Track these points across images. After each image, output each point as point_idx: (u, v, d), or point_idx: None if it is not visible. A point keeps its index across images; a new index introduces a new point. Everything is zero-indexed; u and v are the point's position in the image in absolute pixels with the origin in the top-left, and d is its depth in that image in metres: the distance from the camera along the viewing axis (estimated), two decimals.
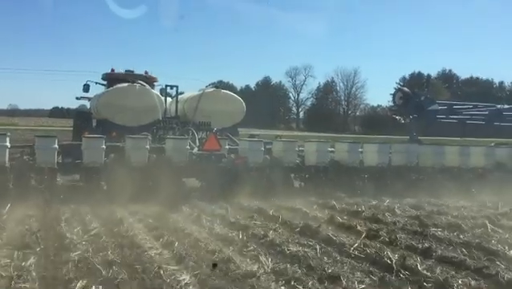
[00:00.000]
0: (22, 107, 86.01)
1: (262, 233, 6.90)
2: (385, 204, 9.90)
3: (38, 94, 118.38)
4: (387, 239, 6.70)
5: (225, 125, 13.75)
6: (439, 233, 7.05)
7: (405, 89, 13.75)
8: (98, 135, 10.84)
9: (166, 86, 14.77)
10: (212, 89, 14.79)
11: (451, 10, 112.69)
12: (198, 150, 10.78)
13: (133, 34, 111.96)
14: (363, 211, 8.94)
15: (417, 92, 14.11)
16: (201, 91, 14.60)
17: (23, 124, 48.28)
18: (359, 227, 7.41)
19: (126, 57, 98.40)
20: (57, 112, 72.33)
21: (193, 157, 10.57)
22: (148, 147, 10.40)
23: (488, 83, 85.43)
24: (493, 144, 14.06)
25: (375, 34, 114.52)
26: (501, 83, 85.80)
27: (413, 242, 6.51)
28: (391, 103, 68.71)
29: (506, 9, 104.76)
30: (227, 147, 11.17)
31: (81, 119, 15.41)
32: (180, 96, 15.15)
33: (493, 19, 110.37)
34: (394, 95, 13.77)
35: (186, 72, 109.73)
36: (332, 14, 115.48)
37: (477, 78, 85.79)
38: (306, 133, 59.99)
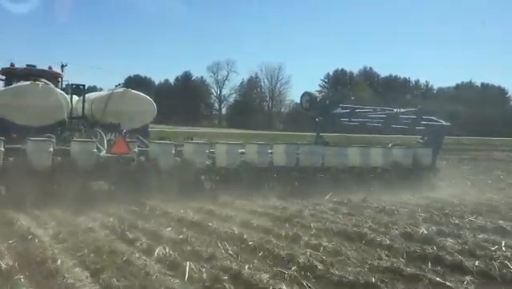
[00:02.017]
0: None
1: (174, 236, 6.92)
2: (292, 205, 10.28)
3: None
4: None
5: (135, 126, 13.51)
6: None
7: (312, 93, 14.45)
8: None
9: (72, 85, 14.22)
10: (121, 89, 14.42)
11: (371, 9, 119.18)
12: (106, 153, 10.53)
13: (40, 26, 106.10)
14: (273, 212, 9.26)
15: (322, 97, 14.86)
16: (110, 91, 14.23)
17: None
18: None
19: (35, 49, 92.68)
20: None
21: (101, 160, 10.31)
22: (51, 150, 9.97)
23: (405, 82, 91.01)
24: (390, 145, 15.18)
25: (300, 31, 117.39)
26: (417, 81, 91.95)
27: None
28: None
29: (423, 9, 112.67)
30: (136, 150, 11.00)
31: None
32: (87, 95, 14.64)
33: (412, 20, 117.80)
34: (301, 98, 14.39)
35: (104, 64, 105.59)
36: (256, 8, 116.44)
37: (396, 76, 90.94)
38: (228, 130, 59.11)
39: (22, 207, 8.68)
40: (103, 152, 10.56)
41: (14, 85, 13.52)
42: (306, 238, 7.00)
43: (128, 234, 6.95)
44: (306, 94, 14.50)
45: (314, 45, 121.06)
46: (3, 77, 15.26)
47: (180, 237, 6.84)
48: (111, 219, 8.04)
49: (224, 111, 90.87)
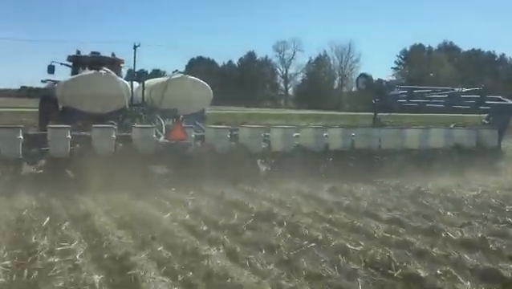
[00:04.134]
0: None
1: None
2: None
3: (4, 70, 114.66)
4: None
5: (192, 111, 13.84)
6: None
7: (368, 74, 14.18)
8: (63, 125, 10.73)
9: (133, 72, 14.75)
10: (178, 75, 14.82)
11: None
12: (164, 139, 10.89)
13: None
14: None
15: (379, 79, 14.53)
16: (168, 78, 14.64)
17: None
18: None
19: (99, 27, 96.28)
20: (26, 92, 69.21)
21: (160, 146, 10.69)
22: (114, 136, 10.44)
23: (490, 56, 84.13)
24: (452, 126, 14.61)
25: (373, 4, 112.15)
26: (503, 55, 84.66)
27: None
28: (391, 78, 67.69)
29: None
30: (193, 135, 11.29)
31: (47, 103, 15.26)
32: (146, 82, 15.15)
33: None
34: (357, 80, 14.22)
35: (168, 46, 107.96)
36: None
37: (479, 50, 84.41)
38: (294, 111, 56.60)
39: (95, 196, 8.88)
40: (162, 138, 10.93)
41: (78, 75, 14.30)
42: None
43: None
44: (362, 75, 14.31)
45: (390, 19, 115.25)
46: (70, 64, 16.13)
47: None
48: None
49: (290, 91, 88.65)
